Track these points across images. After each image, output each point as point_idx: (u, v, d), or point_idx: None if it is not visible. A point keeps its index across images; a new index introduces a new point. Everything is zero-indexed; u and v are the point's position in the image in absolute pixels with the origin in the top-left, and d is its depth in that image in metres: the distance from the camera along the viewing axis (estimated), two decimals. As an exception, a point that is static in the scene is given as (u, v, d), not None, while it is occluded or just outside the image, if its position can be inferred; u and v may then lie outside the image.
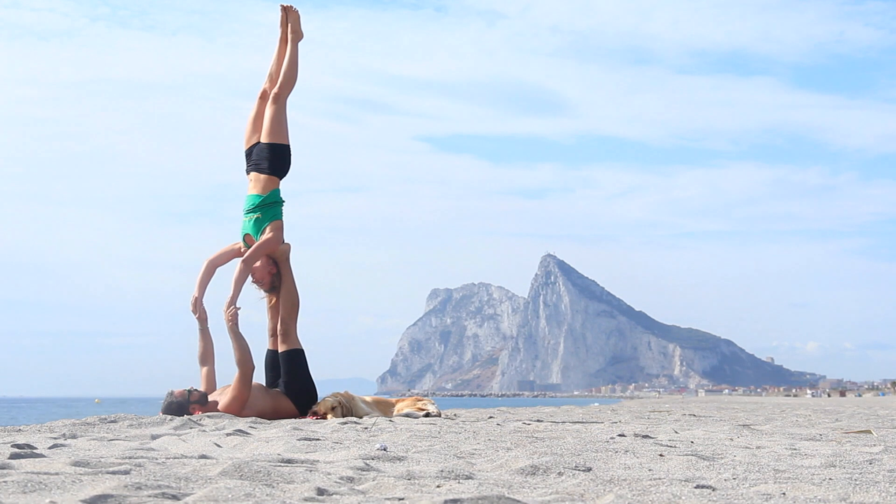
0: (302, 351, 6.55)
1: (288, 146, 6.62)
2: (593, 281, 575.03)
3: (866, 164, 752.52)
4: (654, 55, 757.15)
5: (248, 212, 6.47)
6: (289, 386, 6.46)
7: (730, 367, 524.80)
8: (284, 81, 6.65)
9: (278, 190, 6.53)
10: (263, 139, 6.57)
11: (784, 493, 2.49)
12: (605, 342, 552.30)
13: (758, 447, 4.12)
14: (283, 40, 6.84)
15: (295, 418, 6.48)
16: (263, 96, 6.74)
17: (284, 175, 6.59)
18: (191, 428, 4.87)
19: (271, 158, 6.51)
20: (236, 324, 6.24)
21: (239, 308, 6.30)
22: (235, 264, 6.56)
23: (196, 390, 6.19)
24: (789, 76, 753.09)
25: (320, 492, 2.39)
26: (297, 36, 6.77)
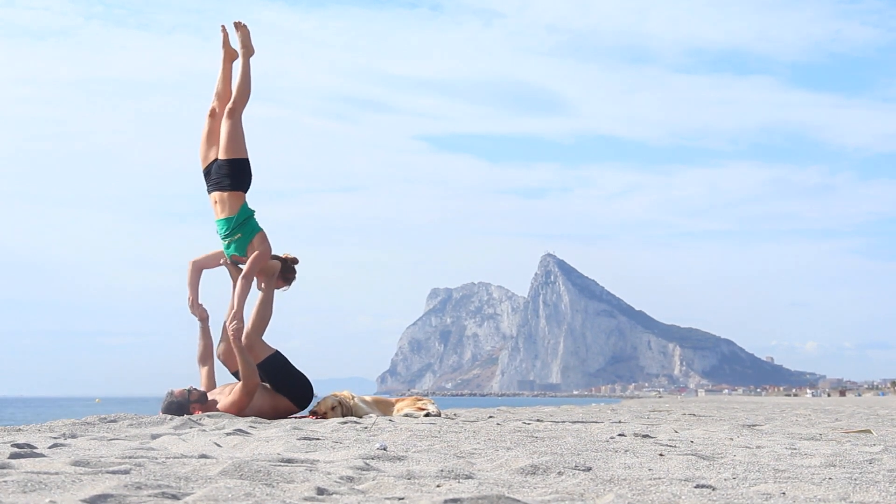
0: (275, 353, 6.53)
1: (247, 160, 6.52)
2: (593, 280, 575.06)
3: (865, 163, 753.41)
4: (652, 54, 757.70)
5: (227, 236, 6.43)
6: (279, 387, 6.47)
7: (729, 367, 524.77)
8: (239, 96, 6.56)
9: (246, 203, 6.46)
10: (221, 156, 6.46)
11: (784, 493, 2.49)
12: (604, 342, 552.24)
13: (758, 447, 4.12)
14: (227, 60, 6.76)
15: (294, 414, 6.53)
16: (213, 114, 6.63)
17: (248, 189, 6.51)
18: (191, 427, 4.87)
19: (232, 174, 6.43)
20: (240, 338, 6.27)
21: (243, 324, 6.33)
22: (221, 270, 6.64)
23: (196, 389, 6.22)
24: (787, 75, 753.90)
25: (320, 491, 2.39)
26: (248, 51, 6.67)
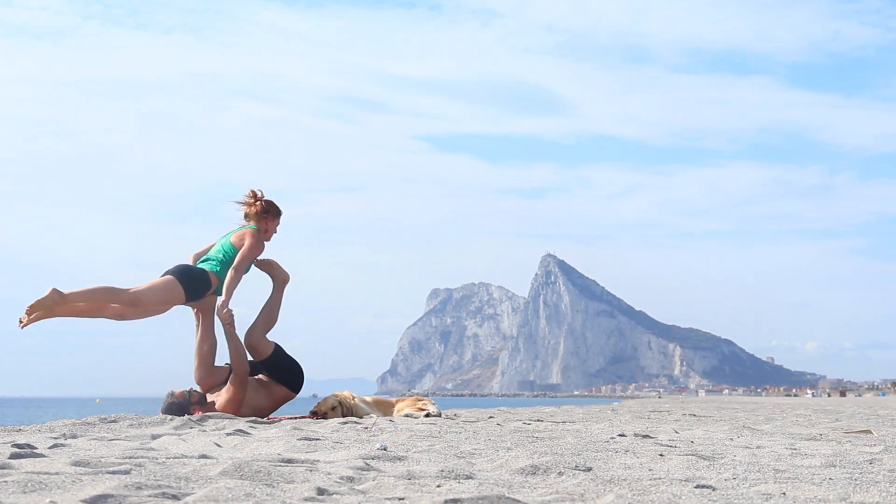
0: (276, 346, 6.57)
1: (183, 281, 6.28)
2: (593, 281, 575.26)
3: (864, 163, 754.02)
4: (651, 54, 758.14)
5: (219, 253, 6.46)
6: (281, 376, 6.51)
7: (730, 367, 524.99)
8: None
9: (211, 275, 6.34)
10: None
11: (784, 493, 2.49)
12: (605, 342, 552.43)
13: (758, 447, 4.13)
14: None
15: (290, 399, 6.62)
16: None
17: (208, 290, 6.36)
18: (191, 428, 4.87)
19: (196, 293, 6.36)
20: (233, 325, 6.26)
21: (233, 310, 6.33)
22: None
23: (196, 391, 6.23)
24: (786, 75, 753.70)
25: (320, 492, 2.39)
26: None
